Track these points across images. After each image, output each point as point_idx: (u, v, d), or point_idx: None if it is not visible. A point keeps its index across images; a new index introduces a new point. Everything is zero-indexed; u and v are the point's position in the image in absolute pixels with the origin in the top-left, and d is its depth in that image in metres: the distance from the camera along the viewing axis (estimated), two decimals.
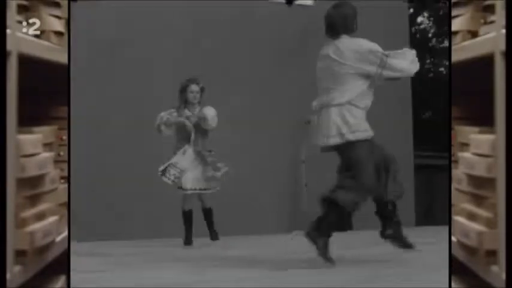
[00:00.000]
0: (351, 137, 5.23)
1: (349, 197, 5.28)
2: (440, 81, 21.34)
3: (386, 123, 10.46)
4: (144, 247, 7.49)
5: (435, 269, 4.64)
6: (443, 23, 22.29)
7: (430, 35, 24.14)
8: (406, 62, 5.24)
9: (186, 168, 7.43)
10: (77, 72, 7.35)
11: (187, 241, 7.54)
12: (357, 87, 5.27)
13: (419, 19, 23.95)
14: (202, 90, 7.71)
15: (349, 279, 4.39)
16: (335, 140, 5.25)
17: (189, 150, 7.52)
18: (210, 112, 7.56)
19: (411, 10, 21.87)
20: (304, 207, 9.87)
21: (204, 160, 7.51)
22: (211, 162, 7.54)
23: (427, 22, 24.21)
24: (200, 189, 7.50)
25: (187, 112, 7.63)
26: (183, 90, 7.67)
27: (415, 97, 12.41)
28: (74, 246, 5.97)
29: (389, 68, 5.21)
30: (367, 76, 5.25)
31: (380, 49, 5.21)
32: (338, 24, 5.31)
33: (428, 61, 23.56)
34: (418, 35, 23.23)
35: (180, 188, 7.45)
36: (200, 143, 7.60)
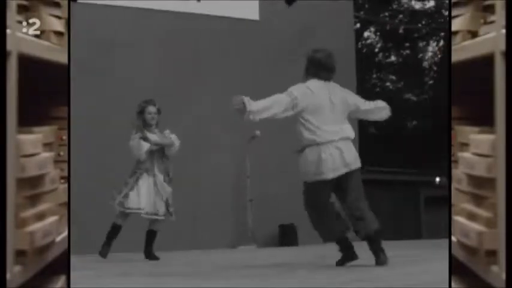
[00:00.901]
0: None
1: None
2: (385, 96, 21.28)
3: None
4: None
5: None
6: (389, 37, 22.39)
7: (376, 49, 24.17)
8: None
9: (141, 193, 7.48)
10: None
11: (104, 252, 7.58)
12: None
13: (366, 34, 23.97)
14: (159, 111, 7.73)
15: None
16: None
17: (147, 174, 7.56)
18: (176, 139, 7.68)
19: (358, 25, 21.91)
20: (249, 222, 9.84)
21: (162, 187, 7.55)
22: (167, 192, 7.59)
23: (374, 37, 24.24)
24: (152, 214, 7.55)
25: (150, 136, 7.62)
26: (141, 112, 7.70)
27: None
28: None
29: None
30: None
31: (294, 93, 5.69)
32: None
33: (374, 76, 23.60)
34: (364, 50, 23.24)
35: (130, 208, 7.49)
36: (161, 167, 7.65)
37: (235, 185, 10.06)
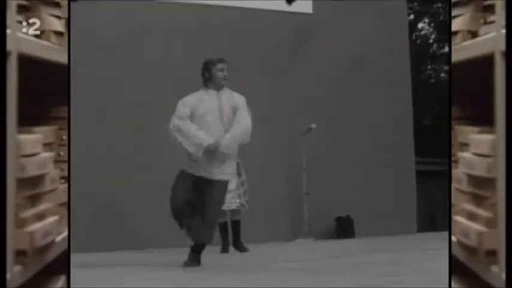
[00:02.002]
0: None
1: None
2: (441, 87, 21.33)
3: (387, 130, 10.47)
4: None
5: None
6: (443, 28, 22.31)
7: (431, 40, 24.11)
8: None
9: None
10: (76, 72, 7.36)
11: (225, 249, 7.85)
12: None
13: (420, 25, 23.92)
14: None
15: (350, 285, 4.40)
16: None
17: None
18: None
19: (411, 16, 21.86)
20: (305, 216, 9.85)
21: (238, 178, 7.75)
22: (242, 182, 7.82)
23: (428, 28, 24.19)
24: (236, 206, 7.80)
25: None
26: None
27: (416, 103, 12.40)
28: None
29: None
30: None
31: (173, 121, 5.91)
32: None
33: (429, 67, 23.52)
34: (418, 41, 23.21)
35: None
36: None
37: (291, 179, 10.06)
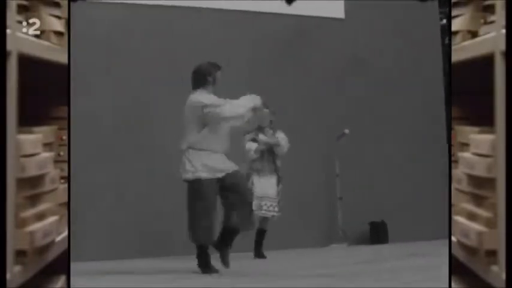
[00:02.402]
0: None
1: None
2: None
3: (421, 135, 10.43)
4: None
5: None
6: None
7: None
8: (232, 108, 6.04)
9: (260, 194, 7.71)
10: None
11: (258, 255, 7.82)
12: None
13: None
14: (273, 113, 7.94)
15: None
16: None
17: (262, 172, 7.80)
18: (284, 140, 7.89)
19: (444, 21, 21.72)
20: (339, 221, 9.85)
21: (274, 185, 7.79)
22: (279, 191, 7.82)
23: None
24: (272, 215, 7.79)
25: (261, 136, 7.85)
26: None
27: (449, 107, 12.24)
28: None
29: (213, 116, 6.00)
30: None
31: (204, 102, 6.02)
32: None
33: None
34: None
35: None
36: (271, 166, 7.86)
37: (324, 184, 10.04)
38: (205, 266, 5.92)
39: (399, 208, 10.17)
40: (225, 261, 6.00)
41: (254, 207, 7.40)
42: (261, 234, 7.85)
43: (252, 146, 7.77)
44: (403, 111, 10.56)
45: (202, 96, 6.09)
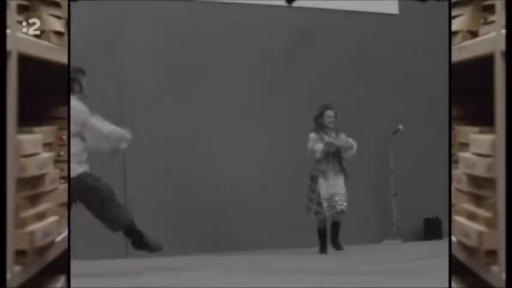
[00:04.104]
0: None
1: None
2: None
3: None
4: None
5: None
6: None
7: None
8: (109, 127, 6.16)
9: (329, 194, 7.92)
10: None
11: (323, 250, 8.04)
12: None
13: None
14: (335, 115, 8.13)
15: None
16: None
17: (328, 173, 7.97)
18: (354, 143, 8.10)
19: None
20: (394, 217, 9.85)
21: (340, 183, 7.99)
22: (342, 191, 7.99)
23: None
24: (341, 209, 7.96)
25: (326, 137, 8.02)
26: (320, 115, 8.11)
27: None
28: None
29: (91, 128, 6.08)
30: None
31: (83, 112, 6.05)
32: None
33: None
34: None
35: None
36: (336, 168, 8.05)
37: (379, 180, 10.05)
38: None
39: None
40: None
41: (325, 209, 7.88)
42: (335, 226, 8.12)
43: (318, 147, 7.95)
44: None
45: (77, 106, 6.07)
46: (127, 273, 6.29)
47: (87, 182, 6.05)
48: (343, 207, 7.93)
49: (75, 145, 6.01)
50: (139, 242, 6.13)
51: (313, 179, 8.00)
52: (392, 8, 10.48)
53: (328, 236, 8.17)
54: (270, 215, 9.09)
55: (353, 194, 8.92)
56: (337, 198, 7.90)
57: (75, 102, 6.07)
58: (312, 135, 8.04)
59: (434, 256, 6.99)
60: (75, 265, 4.34)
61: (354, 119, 9.50)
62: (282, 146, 9.36)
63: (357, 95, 9.93)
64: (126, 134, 6.28)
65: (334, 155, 8.05)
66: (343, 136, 8.13)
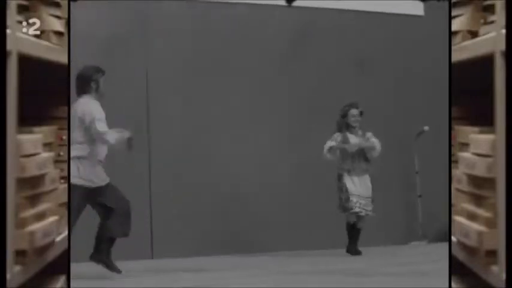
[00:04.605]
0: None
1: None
2: None
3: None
4: None
5: None
6: None
7: None
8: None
9: (356, 192, 7.89)
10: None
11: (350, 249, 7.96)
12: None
13: None
14: (361, 113, 8.07)
15: None
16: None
17: (353, 172, 7.94)
18: (377, 143, 8.04)
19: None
20: (419, 219, 9.86)
21: (366, 183, 7.97)
22: (367, 190, 7.98)
23: None
24: (362, 212, 7.92)
25: (350, 136, 8.00)
26: (345, 115, 8.04)
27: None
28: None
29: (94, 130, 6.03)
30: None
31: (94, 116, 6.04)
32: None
33: None
34: None
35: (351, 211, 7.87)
36: (361, 167, 7.99)
37: (404, 182, 10.04)
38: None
39: None
40: (113, 268, 6.06)
41: (349, 204, 7.79)
42: (354, 231, 7.97)
43: (326, 144, 7.91)
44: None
45: (91, 107, 6.07)
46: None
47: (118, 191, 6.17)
48: (368, 213, 7.89)
49: (103, 148, 6.14)
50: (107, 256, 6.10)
51: (339, 178, 7.96)
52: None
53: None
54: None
55: (378, 195, 8.95)
56: (361, 201, 7.87)
57: (89, 100, 6.10)
58: (336, 134, 7.99)
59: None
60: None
61: (378, 118, 9.49)
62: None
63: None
64: (125, 135, 6.20)
65: (360, 153, 7.99)
66: (369, 135, 8.07)
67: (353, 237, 7.98)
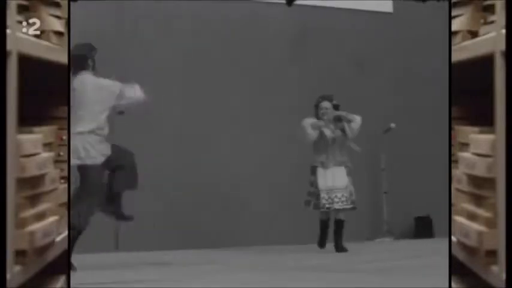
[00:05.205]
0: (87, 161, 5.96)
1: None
2: None
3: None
4: None
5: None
6: None
7: None
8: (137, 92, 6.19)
9: (329, 187, 7.66)
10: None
11: (322, 244, 7.84)
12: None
13: None
14: (336, 107, 7.85)
15: None
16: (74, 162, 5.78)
17: (327, 164, 7.75)
18: (357, 117, 7.83)
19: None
20: (385, 215, 9.87)
21: (341, 175, 7.74)
22: (349, 182, 7.77)
23: None
24: (336, 205, 7.70)
25: (323, 128, 7.81)
26: (316, 106, 7.89)
27: None
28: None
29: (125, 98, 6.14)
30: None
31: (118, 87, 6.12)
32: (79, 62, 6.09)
33: None
34: None
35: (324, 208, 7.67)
36: (337, 155, 7.81)
37: (370, 178, 10.05)
38: None
39: (445, 203, 10.14)
40: (124, 217, 6.26)
41: (323, 202, 7.59)
42: (338, 225, 7.76)
43: (306, 122, 7.72)
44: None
45: (104, 80, 6.12)
46: (116, 266, 6.31)
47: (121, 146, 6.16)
48: (345, 206, 7.67)
49: (103, 119, 6.08)
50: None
51: (313, 171, 7.76)
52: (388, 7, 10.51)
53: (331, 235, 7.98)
54: (257, 212, 9.09)
55: None
56: (339, 194, 7.64)
57: (95, 79, 6.11)
58: (306, 119, 7.78)
59: (424, 255, 7.00)
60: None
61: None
62: (281, 145, 9.37)
63: (356, 95, 9.95)
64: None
65: (335, 144, 7.80)
66: (344, 123, 7.85)
67: (336, 233, 7.75)
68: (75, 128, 5.71)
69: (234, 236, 8.90)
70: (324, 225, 7.83)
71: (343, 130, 7.83)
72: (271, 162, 9.50)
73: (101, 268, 6.19)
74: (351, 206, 7.70)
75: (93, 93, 6.00)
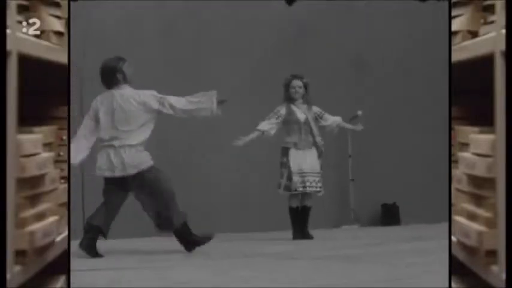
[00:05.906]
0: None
1: None
2: None
3: (435, 118, 10.36)
4: None
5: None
6: None
7: None
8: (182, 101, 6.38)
9: (301, 169, 7.47)
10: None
11: (296, 236, 7.58)
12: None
13: None
14: (306, 85, 7.65)
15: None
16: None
17: (300, 146, 7.57)
18: (336, 118, 7.87)
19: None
20: (351, 203, 9.85)
21: (312, 158, 7.57)
22: (321, 165, 7.66)
23: None
24: (309, 189, 7.51)
25: (295, 110, 7.60)
26: (286, 85, 7.69)
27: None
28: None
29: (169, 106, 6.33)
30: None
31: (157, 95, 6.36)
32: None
33: None
34: None
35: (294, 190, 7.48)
36: (308, 141, 7.64)
37: (336, 165, 10.02)
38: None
39: (412, 191, 10.14)
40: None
41: (296, 184, 7.38)
42: (304, 211, 7.59)
43: (262, 126, 7.57)
44: (417, 94, 10.44)
45: (139, 92, 6.32)
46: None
47: (156, 173, 6.20)
48: (314, 190, 7.48)
49: (147, 132, 6.24)
50: (189, 242, 6.17)
51: (284, 152, 7.53)
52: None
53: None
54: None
55: None
56: (311, 179, 7.45)
57: (135, 92, 6.30)
58: (279, 107, 7.60)
59: (391, 242, 7.01)
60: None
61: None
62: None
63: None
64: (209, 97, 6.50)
65: (307, 125, 7.61)
66: (316, 109, 7.71)
67: (302, 220, 7.55)
68: (125, 142, 6.13)
69: (202, 223, 8.84)
70: (294, 214, 7.57)
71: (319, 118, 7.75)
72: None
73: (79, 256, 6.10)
74: (319, 190, 7.55)
75: (137, 106, 6.24)
